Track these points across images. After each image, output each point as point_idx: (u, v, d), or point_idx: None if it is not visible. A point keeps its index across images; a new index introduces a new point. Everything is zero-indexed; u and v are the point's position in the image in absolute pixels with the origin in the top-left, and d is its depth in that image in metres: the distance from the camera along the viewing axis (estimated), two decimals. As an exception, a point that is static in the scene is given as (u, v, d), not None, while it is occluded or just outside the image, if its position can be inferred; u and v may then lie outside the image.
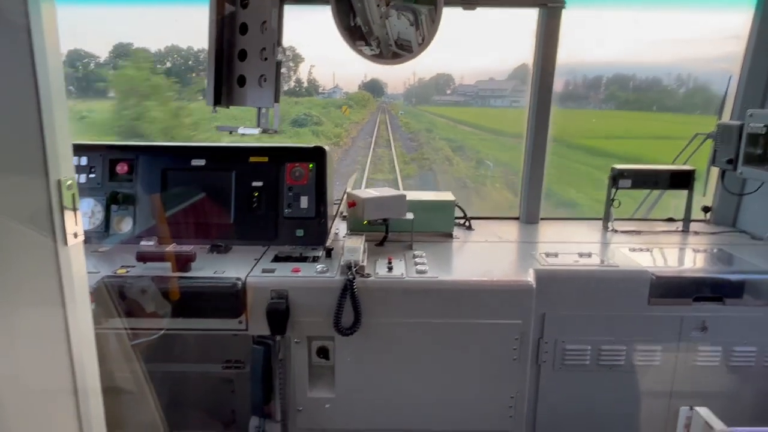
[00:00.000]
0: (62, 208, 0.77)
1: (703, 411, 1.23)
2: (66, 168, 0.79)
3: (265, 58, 2.07)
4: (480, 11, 2.59)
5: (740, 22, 2.83)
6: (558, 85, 2.90)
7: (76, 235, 0.80)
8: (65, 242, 0.78)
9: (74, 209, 0.79)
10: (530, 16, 2.76)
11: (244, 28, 2.12)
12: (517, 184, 3.10)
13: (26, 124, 0.75)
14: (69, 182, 0.79)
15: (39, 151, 0.74)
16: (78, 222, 0.80)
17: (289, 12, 2.42)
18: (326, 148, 2.58)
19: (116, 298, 2.06)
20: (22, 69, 0.75)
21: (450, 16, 2.47)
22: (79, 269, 0.83)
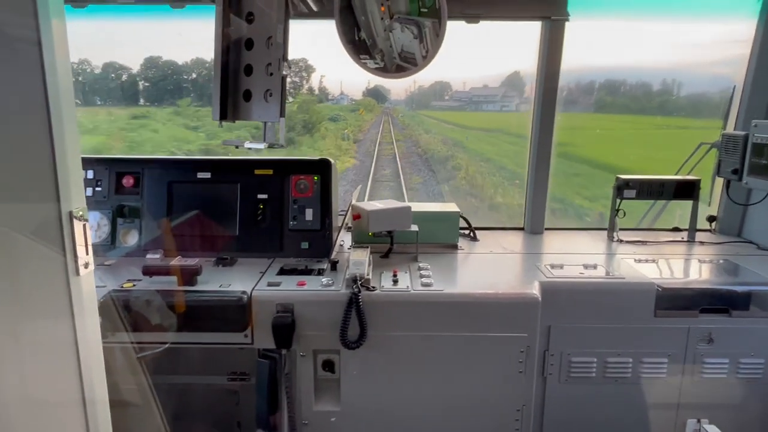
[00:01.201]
0: (74, 240, 0.78)
1: (711, 428, 1.23)
2: (77, 199, 0.80)
3: (271, 73, 2.08)
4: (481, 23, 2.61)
5: (741, 28, 2.84)
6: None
7: (87, 266, 0.81)
8: (77, 272, 0.79)
9: (85, 240, 0.80)
10: (527, 25, 2.78)
11: (249, 44, 2.14)
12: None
13: (39, 156, 0.77)
14: (80, 213, 0.80)
15: (51, 183, 0.75)
16: (89, 251, 0.81)
17: (298, 23, 2.46)
18: (331, 160, 2.59)
19: (122, 312, 2.07)
20: (35, 100, 0.76)
21: (452, 28, 2.49)
22: (90, 297, 0.84)
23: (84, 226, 0.81)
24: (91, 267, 0.85)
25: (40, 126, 0.76)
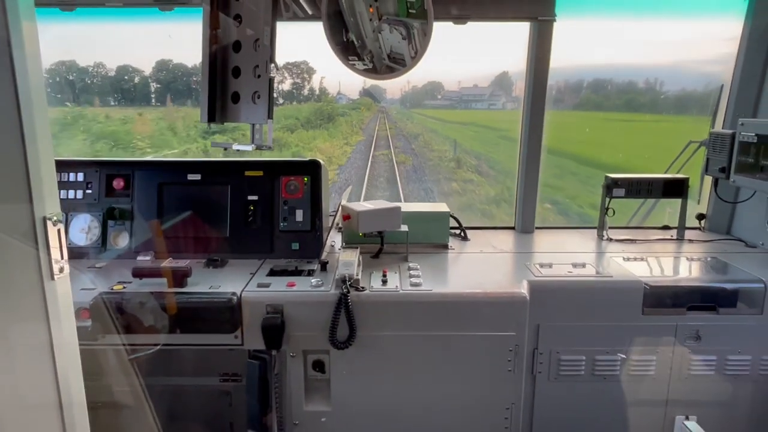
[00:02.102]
0: (48, 245, 0.79)
1: (692, 425, 1.24)
2: (51, 204, 0.81)
3: (259, 75, 2.09)
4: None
5: (729, 27, 2.86)
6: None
7: (62, 270, 0.82)
8: (51, 277, 0.79)
9: (60, 245, 0.81)
10: (516, 26, 2.80)
11: (237, 46, 2.14)
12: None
13: (10, 160, 0.77)
14: (55, 218, 0.80)
15: (24, 188, 0.76)
16: (64, 256, 0.82)
17: (297, 23, 2.47)
18: (321, 161, 2.60)
19: (113, 314, 2.07)
20: (5, 102, 0.76)
21: (444, 28, 2.51)
22: (66, 301, 0.84)
23: (59, 230, 0.81)
24: (66, 271, 0.85)
25: (10, 129, 0.76)
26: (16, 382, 0.83)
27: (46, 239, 0.79)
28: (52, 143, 0.80)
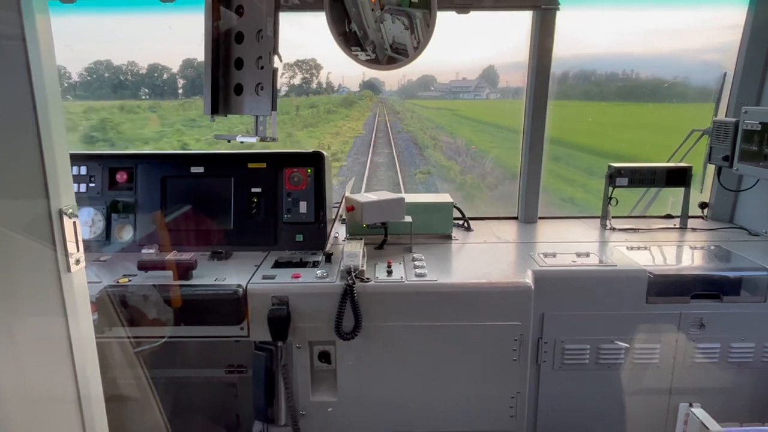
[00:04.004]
0: (64, 237, 0.79)
1: (699, 412, 1.25)
2: (67, 197, 0.81)
3: (262, 67, 2.08)
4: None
5: (732, 15, 2.84)
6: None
7: (78, 262, 0.82)
8: (68, 269, 0.80)
9: (76, 237, 0.81)
10: (509, 20, 2.81)
11: (240, 37, 2.13)
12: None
13: (27, 154, 0.77)
14: (70, 210, 0.80)
15: (40, 181, 0.76)
16: (80, 248, 0.82)
17: (296, 17, 2.47)
18: (324, 153, 2.60)
19: (119, 307, 2.08)
20: (21, 98, 0.76)
21: (441, 18, 2.49)
22: (82, 293, 0.85)
23: (74, 223, 0.81)
24: (83, 263, 0.86)
25: (27, 124, 0.76)
26: (35, 375, 0.84)
27: (63, 232, 0.79)
28: (66, 136, 0.81)
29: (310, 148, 2.61)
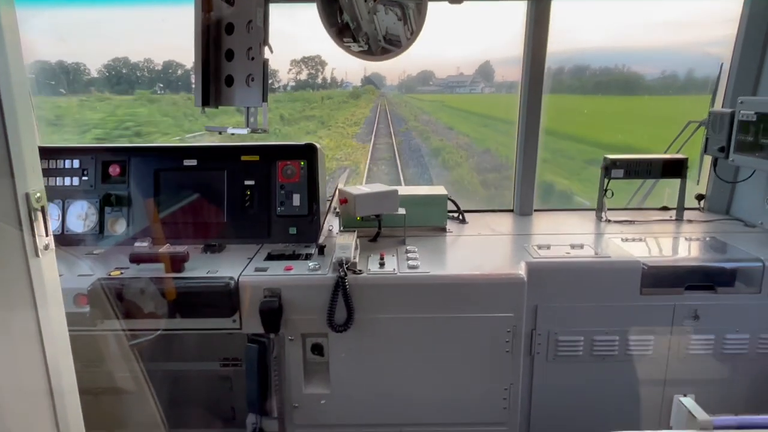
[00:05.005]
0: (31, 221, 0.78)
1: (688, 401, 1.24)
2: (34, 180, 0.80)
3: (252, 58, 2.07)
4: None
5: (731, 7, 2.82)
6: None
7: (47, 247, 0.81)
8: (36, 254, 0.78)
9: (44, 222, 0.80)
10: (506, 15, 2.79)
11: (230, 28, 2.12)
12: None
13: None
14: (38, 195, 0.79)
15: (5, 164, 0.74)
16: (49, 233, 0.81)
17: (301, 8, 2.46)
18: (317, 145, 2.59)
19: (111, 300, 2.08)
20: None
21: (439, 11, 2.48)
22: (52, 278, 0.83)
23: (43, 207, 0.80)
24: (52, 248, 0.84)
25: None
26: (2, 367, 0.82)
27: (30, 215, 0.78)
28: (34, 119, 0.79)
29: (327, 129, 2.62)
